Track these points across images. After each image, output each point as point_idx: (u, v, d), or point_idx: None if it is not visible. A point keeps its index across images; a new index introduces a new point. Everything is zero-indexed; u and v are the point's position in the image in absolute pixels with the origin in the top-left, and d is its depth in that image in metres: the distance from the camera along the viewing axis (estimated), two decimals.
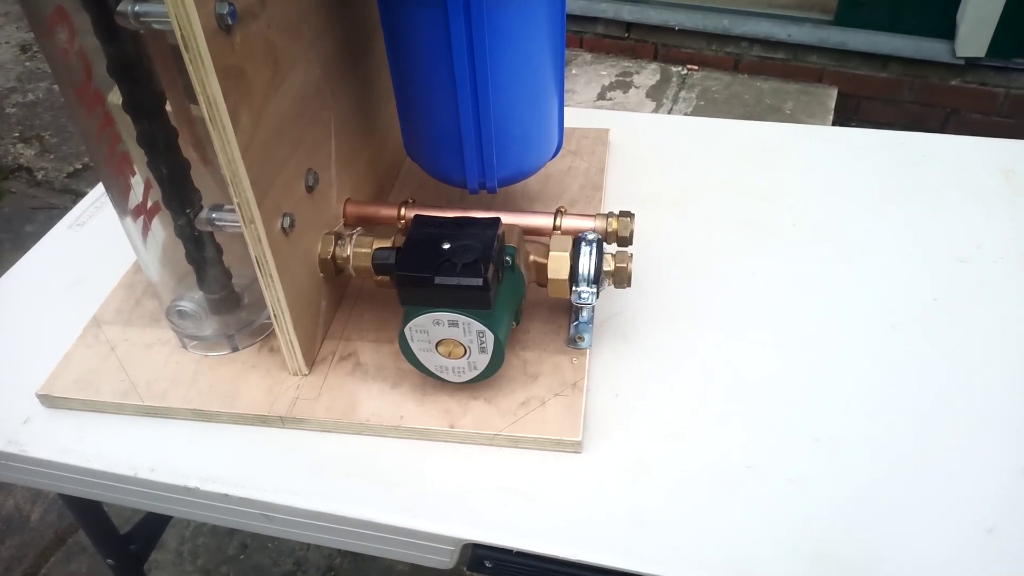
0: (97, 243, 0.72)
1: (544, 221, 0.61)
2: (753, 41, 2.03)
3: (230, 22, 0.42)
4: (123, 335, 0.61)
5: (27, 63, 2.52)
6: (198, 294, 0.58)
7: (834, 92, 1.99)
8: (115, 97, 0.49)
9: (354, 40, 0.61)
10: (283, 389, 0.56)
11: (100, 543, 0.78)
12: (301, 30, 0.52)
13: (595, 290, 0.55)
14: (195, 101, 0.49)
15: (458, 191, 0.71)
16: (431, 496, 0.51)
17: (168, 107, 0.50)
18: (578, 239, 0.56)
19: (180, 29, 0.40)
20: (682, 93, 2.00)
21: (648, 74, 2.08)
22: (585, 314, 0.60)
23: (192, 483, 0.52)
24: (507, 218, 0.61)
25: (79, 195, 1.97)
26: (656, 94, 2.00)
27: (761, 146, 0.81)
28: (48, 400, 0.57)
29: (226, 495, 0.52)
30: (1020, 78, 1.88)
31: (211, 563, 1.23)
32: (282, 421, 0.55)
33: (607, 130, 0.81)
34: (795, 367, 0.58)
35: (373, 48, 0.65)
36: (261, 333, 0.60)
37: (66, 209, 2.07)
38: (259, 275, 0.51)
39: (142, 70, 0.47)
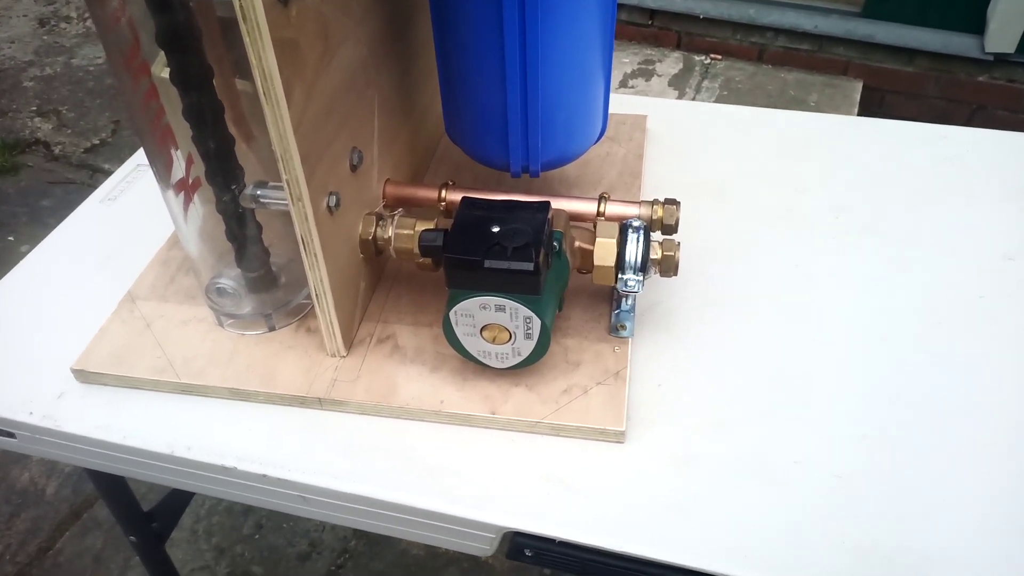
0: (129, 218, 0.71)
1: (587, 207, 0.60)
2: (779, 31, 2.01)
3: None
4: (158, 311, 0.60)
5: (45, 36, 2.50)
6: (236, 272, 0.58)
7: (859, 85, 1.97)
8: (161, 69, 0.49)
9: (397, 19, 0.60)
10: (321, 370, 0.56)
11: (123, 520, 0.77)
12: (351, 6, 0.51)
13: (641, 278, 0.54)
14: (244, 75, 0.48)
15: (494, 174, 0.70)
16: (472, 482, 0.51)
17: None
18: (625, 226, 0.55)
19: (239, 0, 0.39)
20: (705, 83, 1.98)
21: (671, 62, 2.05)
22: (627, 302, 0.59)
23: (229, 462, 0.52)
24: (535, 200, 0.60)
25: (96, 170, 1.97)
26: (679, 83, 1.98)
27: (799, 136, 0.79)
28: (82, 375, 0.56)
29: (264, 475, 0.51)
30: None
31: (226, 542, 1.23)
32: (320, 403, 0.54)
33: (644, 116, 0.80)
34: (839, 362, 0.57)
35: (414, 27, 0.64)
36: (298, 313, 0.60)
37: (83, 184, 2.07)
38: (303, 254, 0.51)
39: (192, 42, 0.46)
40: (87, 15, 2.63)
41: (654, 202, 0.59)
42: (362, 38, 0.53)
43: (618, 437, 0.52)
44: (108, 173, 2.00)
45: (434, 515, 0.49)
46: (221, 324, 0.59)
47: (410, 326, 0.59)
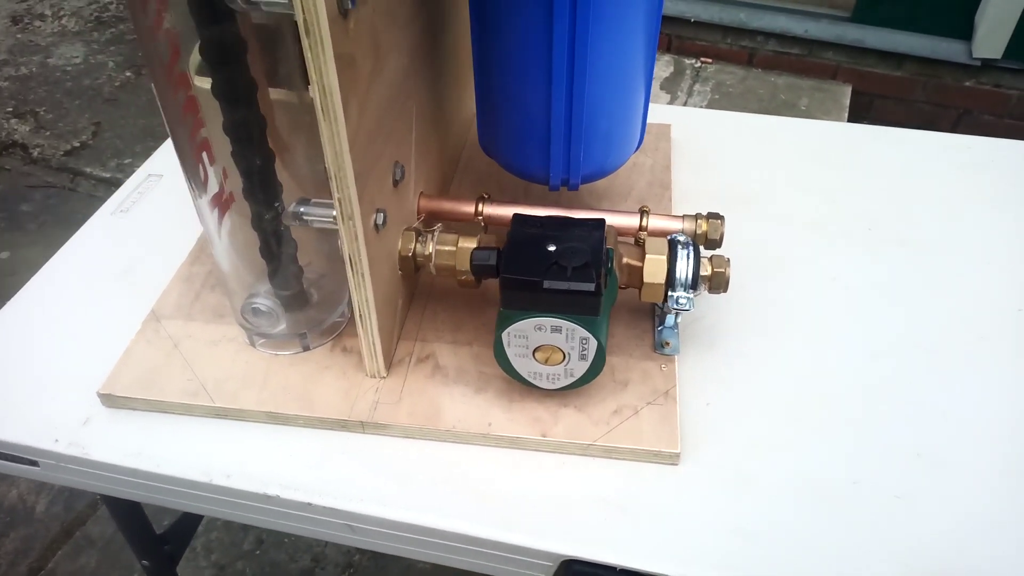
0: (144, 230, 0.69)
1: (629, 221, 0.58)
2: (769, 35, 2.01)
3: (349, 6, 0.39)
4: (185, 331, 0.58)
5: (19, 35, 2.44)
6: (266, 289, 0.55)
7: (848, 89, 1.98)
8: (201, 82, 0.46)
9: (432, 26, 0.58)
10: (361, 392, 0.54)
11: (137, 544, 0.75)
12: (396, 15, 0.49)
13: (692, 296, 0.53)
14: (291, 88, 0.46)
15: (521, 185, 0.69)
16: (525, 508, 0.49)
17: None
18: (673, 242, 0.53)
19: (303, 13, 0.37)
20: (696, 86, 1.98)
21: (662, 66, 2.05)
22: (671, 319, 0.58)
23: (272, 491, 0.50)
24: (583, 216, 0.59)
25: (77, 174, 1.92)
26: (670, 86, 1.98)
27: (824, 145, 0.79)
28: (109, 400, 0.54)
29: (309, 504, 0.49)
30: None
31: (226, 558, 1.20)
32: (362, 426, 0.53)
33: (669, 125, 0.79)
34: (886, 377, 0.57)
35: (447, 35, 0.62)
36: (332, 332, 0.58)
37: (64, 188, 2.02)
38: (349, 274, 0.49)
39: (238, 55, 0.44)
40: (62, 13, 2.56)
41: (697, 216, 0.58)
42: (404, 48, 0.52)
43: (672, 459, 0.51)
44: (91, 177, 1.95)
45: (489, 543, 0.48)
46: (253, 344, 0.57)
47: (449, 345, 0.57)
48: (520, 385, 0.53)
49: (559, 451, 0.52)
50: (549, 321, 0.47)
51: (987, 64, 1.87)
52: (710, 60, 2.08)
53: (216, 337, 0.57)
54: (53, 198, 1.85)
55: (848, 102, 1.96)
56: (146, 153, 2.00)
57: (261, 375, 0.55)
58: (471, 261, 0.50)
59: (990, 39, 1.82)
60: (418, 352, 0.57)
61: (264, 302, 0.53)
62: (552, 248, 0.47)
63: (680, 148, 0.78)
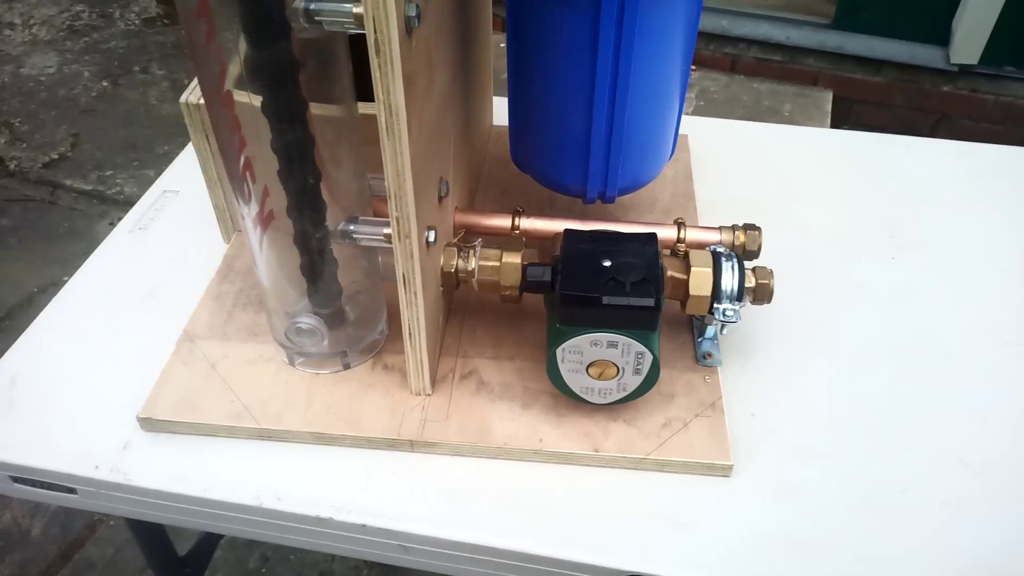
0: (163, 249, 0.67)
1: (666, 233, 0.58)
2: (751, 42, 2.04)
3: (416, 24, 0.39)
4: (221, 351, 0.57)
5: None
6: (305, 307, 0.55)
7: (830, 95, 2.01)
8: (244, 98, 0.46)
9: (466, 39, 0.58)
10: (407, 410, 0.53)
11: (158, 567, 0.73)
12: (443, 30, 0.49)
13: (738, 307, 0.53)
14: (337, 105, 0.45)
15: (545, 198, 0.69)
16: (582, 524, 0.49)
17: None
18: (717, 254, 0.54)
19: (376, 32, 0.37)
20: None
21: None
22: (711, 331, 0.58)
23: (324, 513, 0.49)
24: (620, 228, 0.59)
25: (57, 186, 1.88)
26: None
27: (838, 153, 0.80)
28: (149, 423, 0.53)
29: (363, 525, 0.49)
30: (1010, 86, 1.93)
31: None
32: (411, 445, 0.52)
33: (686, 135, 0.79)
34: (922, 383, 0.57)
35: (474, 48, 0.62)
36: (372, 350, 0.57)
37: (44, 201, 1.98)
38: (401, 292, 0.48)
39: (292, 74, 0.43)
40: (32, 21, 2.51)
41: (734, 227, 0.59)
42: (448, 62, 0.51)
43: (725, 471, 0.51)
44: (71, 190, 1.91)
45: (550, 561, 0.48)
46: (292, 363, 0.56)
47: (491, 360, 0.57)
48: (567, 400, 0.53)
49: (611, 466, 0.52)
50: (606, 336, 0.47)
51: (964, 70, 1.91)
52: (694, 67, 2.10)
53: (253, 357, 0.56)
54: (33, 212, 1.81)
55: (830, 108, 1.99)
56: (127, 165, 1.97)
57: (304, 395, 0.54)
58: (524, 277, 0.49)
59: (967, 45, 1.86)
60: (460, 368, 0.56)
61: (309, 321, 0.52)
62: (607, 263, 0.47)
63: (696, 158, 0.78)
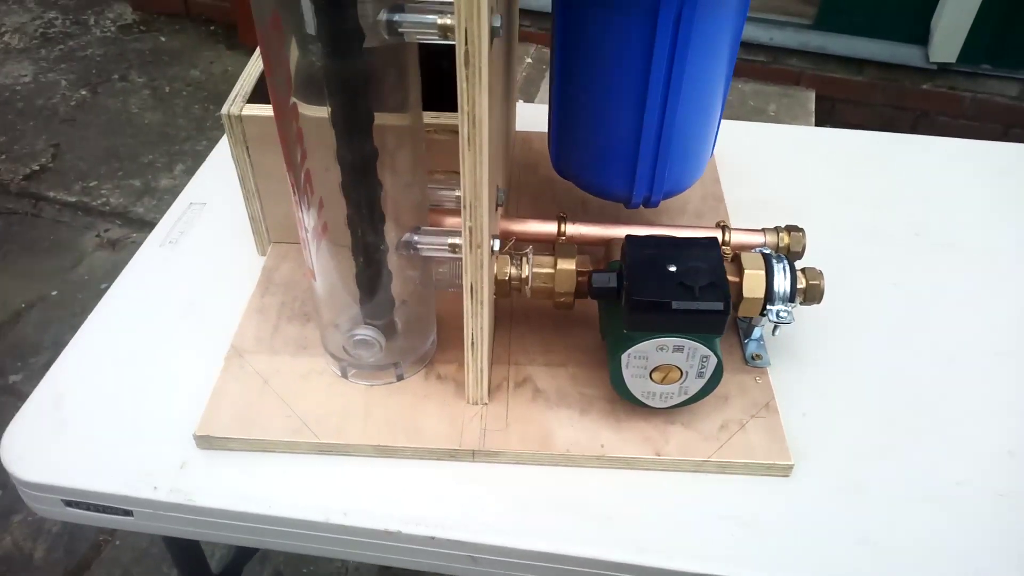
0: (197, 262, 0.66)
1: (710, 236, 0.59)
2: None
3: (499, 34, 0.39)
4: (271, 365, 0.56)
5: None
6: (357, 318, 0.54)
7: (812, 95, 2.04)
8: (308, 110, 0.45)
9: (508, 45, 0.58)
10: (467, 420, 0.53)
11: None
12: (501, 36, 0.49)
13: (791, 308, 0.54)
14: (400, 116, 0.45)
15: (578, 202, 0.69)
16: (649, 529, 0.49)
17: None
18: (768, 256, 0.54)
19: (467, 43, 0.37)
20: None
21: None
22: (758, 332, 0.59)
23: (393, 526, 0.49)
24: (665, 232, 0.60)
25: (40, 198, 1.84)
26: None
27: (860, 153, 0.82)
28: (206, 441, 0.52)
29: (432, 538, 0.48)
30: (986, 83, 1.98)
31: None
32: (473, 455, 0.52)
33: None
34: (965, 378, 0.59)
35: (512, 56, 0.62)
36: (425, 360, 0.57)
37: (27, 214, 1.93)
38: (467, 302, 0.48)
39: (364, 86, 0.43)
40: (3, 29, 2.45)
41: (777, 228, 0.60)
42: (501, 68, 0.51)
43: (785, 471, 0.52)
44: (55, 202, 1.87)
45: (621, 566, 0.48)
46: (345, 375, 0.56)
47: (544, 367, 0.57)
48: (624, 404, 0.54)
49: (673, 469, 0.52)
50: (673, 341, 0.48)
51: (943, 68, 1.96)
52: None
53: (305, 370, 0.56)
54: (16, 225, 1.77)
55: (814, 107, 2.02)
56: (111, 175, 1.94)
57: (361, 407, 0.54)
58: (590, 284, 0.50)
59: (945, 44, 1.90)
60: (514, 376, 0.56)
61: (367, 333, 0.52)
62: (673, 268, 0.48)
63: (720, 160, 0.79)
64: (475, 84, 0.38)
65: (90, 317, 0.61)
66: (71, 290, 1.60)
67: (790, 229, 0.59)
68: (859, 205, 0.75)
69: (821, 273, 0.55)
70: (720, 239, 0.59)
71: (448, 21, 0.38)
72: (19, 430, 0.54)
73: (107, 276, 1.58)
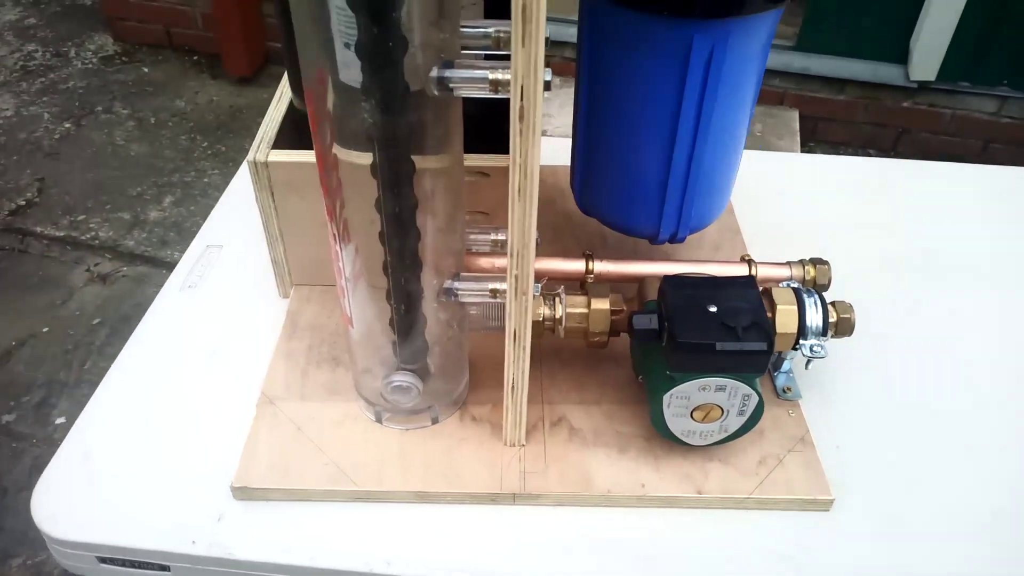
0: (218, 307, 0.66)
1: (737, 271, 0.60)
2: None
3: (549, 88, 0.39)
4: (304, 412, 0.56)
5: None
6: (391, 362, 0.54)
7: (796, 114, 2.08)
8: (349, 156, 0.45)
9: None
10: (505, 462, 0.53)
11: None
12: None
13: (824, 342, 0.54)
14: (439, 164, 0.45)
15: (597, 237, 0.70)
16: (696, 567, 0.49)
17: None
18: (798, 291, 0.55)
19: (522, 99, 0.37)
20: None
21: None
22: (787, 364, 0.59)
23: (439, 574, 0.48)
24: (693, 268, 0.60)
25: (27, 234, 1.81)
26: None
27: (867, 181, 0.83)
28: (244, 492, 0.51)
29: None
30: (964, 100, 2.02)
31: None
32: (514, 498, 0.52)
33: None
34: (992, 404, 0.60)
35: None
36: (458, 403, 0.57)
37: (14, 250, 1.90)
38: (510, 348, 0.48)
39: (408, 136, 0.43)
40: None
41: (803, 261, 0.60)
42: None
43: (826, 506, 0.52)
44: (42, 237, 1.85)
45: None
46: (379, 420, 0.55)
47: (577, 405, 0.57)
48: (661, 441, 0.54)
49: (713, 507, 0.52)
50: (715, 381, 0.48)
51: (923, 86, 2.00)
52: None
53: (338, 416, 0.55)
54: (3, 261, 1.74)
55: (798, 126, 2.05)
56: (99, 209, 1.92)
57: (397, 453, 0.53)
58: (631, 327, 0.50)
59: (925, 63, 1.95)
60: (548, 415, 0.56)
61: (405, 379, 0.52)
62: (713, 309, 0.48)
63: None
64: (528, 138, 0.38)
65: (114, 365, 0.61)
66: (62, 326, 1.57)
67: (815, 262, 0.60)
68: (873, 231, 0.76)
69: (851, 306, 0.56)
70: (747, 273, 0.60)
71: (500, 76, 0.38)
72: (49, 487, 0.53)
73: (99, 311, 1.56)
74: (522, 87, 0.37)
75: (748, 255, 0.61)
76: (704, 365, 0.47)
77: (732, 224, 0.74)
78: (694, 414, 0.50)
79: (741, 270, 0.60)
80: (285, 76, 0.65)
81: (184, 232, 1.82)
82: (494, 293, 0.49)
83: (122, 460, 0.54)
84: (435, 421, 0.56)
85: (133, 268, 1.69)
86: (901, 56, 1.98)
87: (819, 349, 0.54)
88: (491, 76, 0.39)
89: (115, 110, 2.24)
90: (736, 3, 0.48)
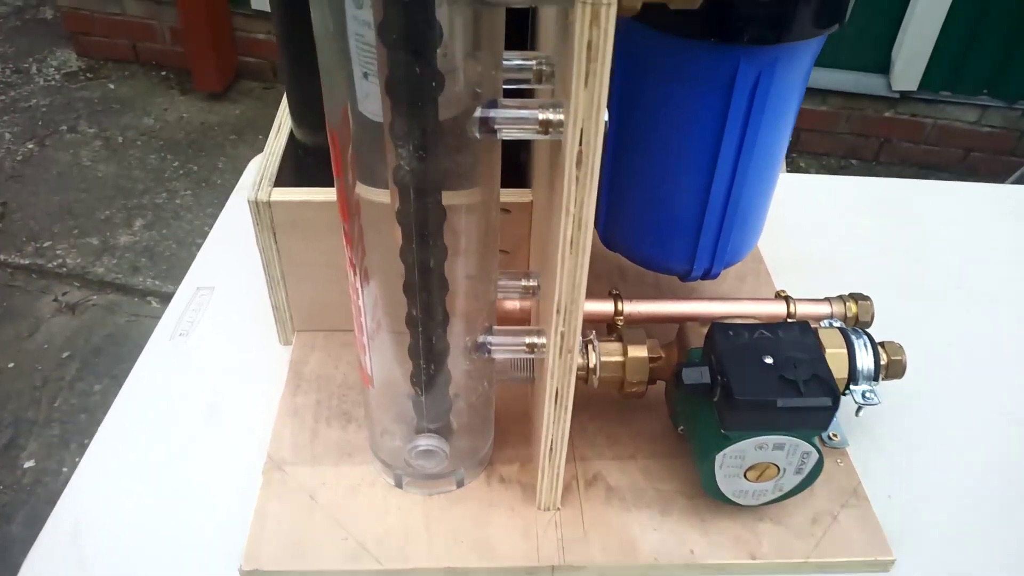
0: (213, 357, 0.61)
1: (774, 309, 0.56)
2: None
3: (607, 128, 0.35)
4: (316, 478, 0.51)
5: None
6: (412, 420, 0.49)
7: None
8: (374, 201, 0.41)
9: None
10: (540, 529, 0.48)
11: None
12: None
13: (875, 387, 0.51)
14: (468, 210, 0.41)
15: (615, 273, 0.66)
16: None
17: None
18: (845, 332, 0.51)
19: (581, 143, 0.33)
20: None
21: None
22: None
23: None
24: (728, 307, 0.56)
25: (7, 266, 1.72)
26: None
27: (885, 202, 0.80)
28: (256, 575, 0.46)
29: None
30: (945, 109, 2.03)
31: None
32: (552, 571, 0.47)
33: None
34: None
35: None
36: (484, 463, 0.52)
37: None
38: (550, 408, 0.44)
39: (440, 181, 0.39)
40: None
41: (843, 297, 0.57)
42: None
43: (886, 567, 0.48)
44: (6, 265, 1.76)
45: None
46: (399, 484, 0.50)
47: (612, 461, 0.53)
48: (707, 500, 0.50)
49: (768, 572, 0.48)
50: (773, 439, 0.44)
51: (905, 96, 2.00)
52: None
53: (355, 481, 0.51)
54: None
55: None
56: (66, 234, 1.84)
57: (422, 523, 0.49)
58: (683, 381, 0.46)
59: (906, 73, 1.95)
60: (582, 473, 0.52)
61: (432, 443, 0.47)
62: (769, 361, 0.44)
63: None
64: (586, 186, 0.34)
65: (102, 427, 0.55)
66: (29, 361, 1.49)
67: (856, 298, 0.57)
68: (898, 256, 0.73)
69: (901, 347, 0.52)
70: (785, 311, 0.56)
71: (551, 116, 0.34)
72: (35, 570, 0.47)
73: (68, 343, 1.49)
74: (582, 130, 0.32)
75: (784, 291, 0.58)
76: (763, 423, 0.43)
77: (755, 253, 0.71)
78: (748, 474, 0.46)
79: (779, 307, 0.56)
80: (284, 101, 0.60)
81: (156, 257, 1.75)
82: (532, 348, 0.44)
83: (116, 535, 0.49)
84: (460, 484, 0.51)
85: (103, 296, 1.61)
86: (883, 66, 1.98)
87: (871, 395, 0.50)
88: (541, 116, 0.34)
89: (80, 129, 2.15)
90: (786, 28, 0.44)
